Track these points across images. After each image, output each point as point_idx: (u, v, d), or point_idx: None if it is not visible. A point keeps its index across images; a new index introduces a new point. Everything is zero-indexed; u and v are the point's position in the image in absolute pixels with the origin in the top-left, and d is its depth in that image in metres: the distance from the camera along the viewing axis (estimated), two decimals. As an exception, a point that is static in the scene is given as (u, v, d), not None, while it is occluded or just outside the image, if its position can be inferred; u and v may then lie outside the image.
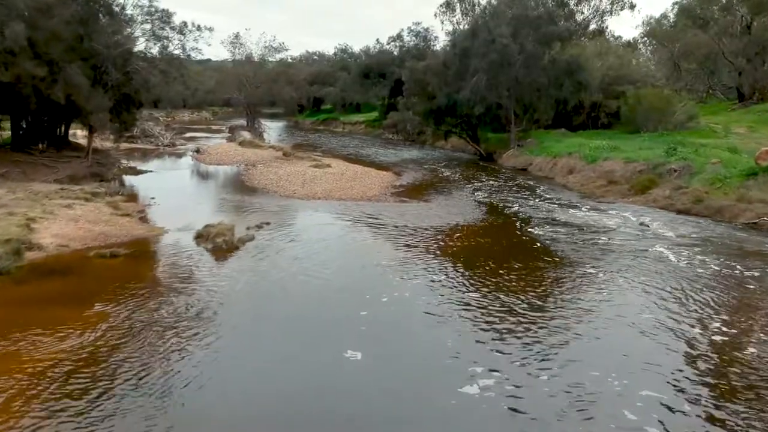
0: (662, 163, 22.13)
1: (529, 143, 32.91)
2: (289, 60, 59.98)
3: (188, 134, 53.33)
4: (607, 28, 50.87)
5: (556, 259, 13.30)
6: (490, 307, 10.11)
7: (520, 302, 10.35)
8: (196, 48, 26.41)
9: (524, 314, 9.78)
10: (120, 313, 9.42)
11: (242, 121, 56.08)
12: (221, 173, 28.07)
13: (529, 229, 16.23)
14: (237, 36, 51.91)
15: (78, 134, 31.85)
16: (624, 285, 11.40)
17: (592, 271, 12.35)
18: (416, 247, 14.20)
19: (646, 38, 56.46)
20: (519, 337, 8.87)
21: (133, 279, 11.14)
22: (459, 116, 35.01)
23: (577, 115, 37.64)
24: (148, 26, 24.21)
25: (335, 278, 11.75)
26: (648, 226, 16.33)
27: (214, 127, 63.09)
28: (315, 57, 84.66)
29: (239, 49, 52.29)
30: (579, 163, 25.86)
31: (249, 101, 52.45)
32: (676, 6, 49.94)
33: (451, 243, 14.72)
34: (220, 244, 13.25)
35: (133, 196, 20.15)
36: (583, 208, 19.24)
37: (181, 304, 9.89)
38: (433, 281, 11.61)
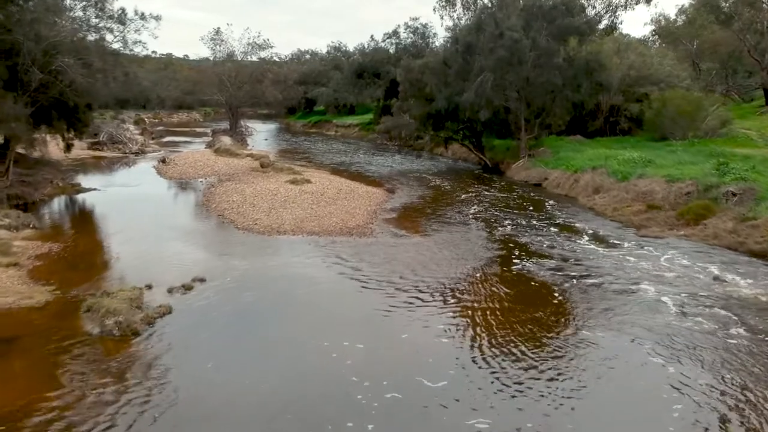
0: (715, 184, 17.82)
1: (541, 153, 28.55)
2: (276, 58, 55.21)
3: (168, 138, 49.16)
4: (621, 23, 46.69)
5: (600, 335, 8.98)
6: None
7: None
8: (139, 41, 21.79)
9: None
10: None
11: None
12: (179, 191, 23.62)
13: (557, 285, 11.87)
14: (218, 32, 47.29)
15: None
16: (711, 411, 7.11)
17: (662, 364, 8.05)
18: (401, 323, 9.87)
19: (657, 35, 52.31)
20: None
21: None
22: (461, 121, 30.59)
23: (593, 119, 33.27)
24: (80, 14, 19.71)
25: (272, 398, 7.44)
26: (723, 281, 11.98)
27: (198, 130, 58.79)
28: (307, 56, 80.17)
29: (220, 46, 47.77)
30: (607, 180, 21.49)
31: (231, 102, 47.97)
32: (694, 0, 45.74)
33: (450, 315, 10.34)
34: (110, 329, 8.88)
35: (46, 231, 15.72)
36: (623, 248, 14.82)
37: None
38: (412, 396, 7.45)
